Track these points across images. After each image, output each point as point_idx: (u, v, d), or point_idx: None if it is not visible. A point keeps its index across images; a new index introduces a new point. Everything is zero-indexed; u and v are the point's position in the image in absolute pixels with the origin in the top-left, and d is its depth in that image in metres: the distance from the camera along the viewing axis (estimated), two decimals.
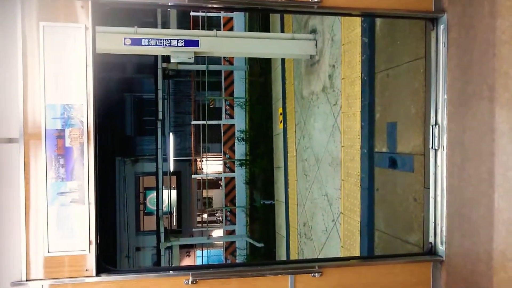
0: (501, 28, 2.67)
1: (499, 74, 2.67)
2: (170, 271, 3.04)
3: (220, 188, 16.84)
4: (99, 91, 2.91)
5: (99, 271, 2.90)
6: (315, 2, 3.04)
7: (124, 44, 7.19)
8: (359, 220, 5.68)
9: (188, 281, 2.97)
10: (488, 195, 2.74)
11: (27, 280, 2.78)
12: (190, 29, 14.07)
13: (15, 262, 2.79)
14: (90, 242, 2.86)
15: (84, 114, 2.83)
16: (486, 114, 2.78)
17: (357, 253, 5.72)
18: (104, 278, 2.89)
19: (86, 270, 2.87)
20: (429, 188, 3.42)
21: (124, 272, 3.01)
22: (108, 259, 3.01)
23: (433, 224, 3.36)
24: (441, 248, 3.30)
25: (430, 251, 3.37)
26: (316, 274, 3.13)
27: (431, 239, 3.38)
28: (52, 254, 2.81)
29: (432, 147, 3.37)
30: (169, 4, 3.04)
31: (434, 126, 3.34)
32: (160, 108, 13.80)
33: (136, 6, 3.11)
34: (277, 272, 3.13)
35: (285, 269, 3.16)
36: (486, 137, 2.77)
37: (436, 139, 3.33)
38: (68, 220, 2.83)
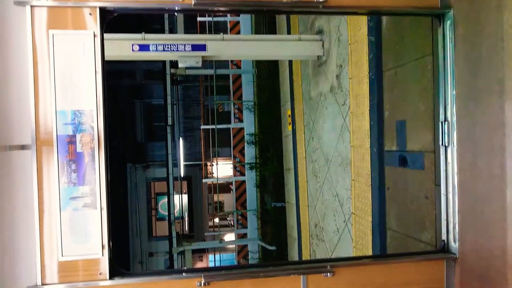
0: (508, 21, 2.65)
1: (509, 67, 2.65)
2: (183, 273, 3.05)
3: (231, 192, 16.86)
4: (109, 98, 2.95)
5: (113, 274, 2.93)
6: (321, 2, 3.04)
7: (132, 50, 7.26)
8: (371, 220, 5.65)
9: (201, 283, 2.98)
10: (501, 190, 2.72)
11: (42, 285, 2.82)
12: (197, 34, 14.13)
13: (30, 267, 2.83)
14: (103, 246, 2.89)
15: (94, 120, 2.86)
16: (496, 108, 2.75)
17: (369, 253, 5.68)
18: (118, 281, 2.92)
19: (100, 273, 2.89)
20: (440, 185, 3.39)
21: (137, 275, 3.03)
22: (121, 265, 3.03)
23: (445, 221, 3.33)
24: (454, 245, 3.26)
25: (443, 249, 3.34)
26: (328, 274, 3.11)
27: (444, 237, 3.35)
28: (66, 258, 2.85)
29: (442, 144, 3.35)
30: (176, 8, 3.07)
31: (443, 123, 3.32)
32: (169, 114, 13.89)
33: (143, 12, 3.14)
34: (289, 272, 3.12)
35: (297, 269, 3.15)
36: (497, 131, 2.75)
37: (446, 135, 3.30)
38: (81, 224, 2.86)
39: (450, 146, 3.29)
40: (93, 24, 2.87)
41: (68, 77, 2.83)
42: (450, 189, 3.29)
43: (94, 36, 2.87)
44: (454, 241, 3.27)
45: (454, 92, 3.22)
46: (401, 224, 4.90)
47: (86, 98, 2.86)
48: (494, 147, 2.77)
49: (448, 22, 3.25)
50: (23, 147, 2.82)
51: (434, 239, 3.89)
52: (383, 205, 5.30)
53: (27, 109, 2.80)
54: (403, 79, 4.73)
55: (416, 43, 4.34)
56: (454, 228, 3.27)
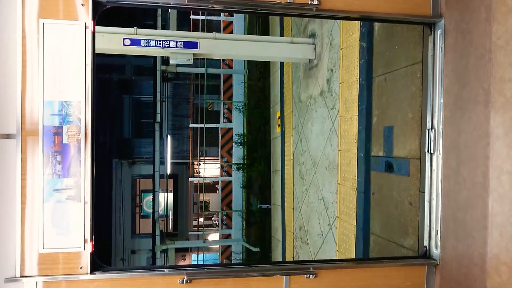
0: (496, 33, 2.70)
1: (495, 79, 2.70)
2: (165, 270, 3.04)
3: (217, 191, 16.82)
4: (97, 93, 2.92)
5: (94, 268, 2.90)
6: (314, 4, 3.07)
7: (124, 45, 7.21)
8: (355, 224, 5.69)
9: (183, 280, 2.97)
10: (483, 199, 2.76)
11: (21, 277, 2.78)
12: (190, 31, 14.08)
13: (9, 258, 2.79)
14: (85, 240, 2.86)
15: (82, 112, 2.84)
16: (481, 118, 2.80)
17: (352, 256, 5.72)
18: (99, 276, 2.89)
19: (81, 267, 2.86)
20: (424, 192, 3.43)
21: (118, 270, 3.00)
22: (102, 261, 3.00)
23: (428, 227, 3.38)
24: (436, 251, 3.31)
25: (425, 255, 3.38)
26: (311, 275, 3.13)
27: (426, 243, 3.39)
28: (46, 250, 2.81)
29: (428, 151, 3.39)
30: (170, 4, 3.06)
31: (430, 130, 3.37)
32: (158, 111, 13.82)
33: (136, 6, 3.12)
34: (271, 272, 3.13)
35: (280, 270, 3.16)
36: (481, 141, 2.79)
37: (432, 143, 3.35)
38: (64, 217, 2.82)
39: (435, 153, 3.33)
40: (85, 15, 2.85)
41: (57, 67, 2.80)
42: (434, 196, 3.34)
43: (86, 27, 2.84)
44: (436, 247, 3.31)
45: (442, 100, 3.26)
46: (384, 229, 4.95)
47: (75, 90, 2.83)
48: (478, 156, 2.82)
49: (439, 31, 3.29)
50: (7, 136, 2.78)
51: (416, 245, 3.94)
52: (368, 210, 5.34)
53: (14, 97, 2.76)
54: (393, 85, 4.78)
55: (407, 51, 4.40)
56: (436, 234, 3.31)
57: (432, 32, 3.34)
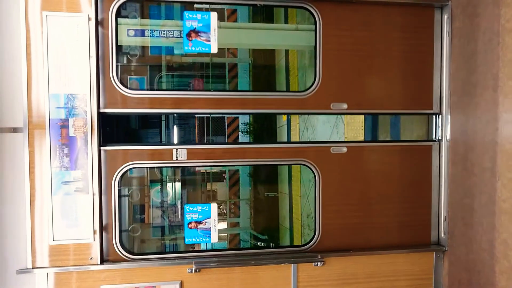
0: (505, 16, 2.65)
1: (504, 62, 2.66)
2: (175, 260, 3.06)
3: (224, 180, 16.84)
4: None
5: (104, 259, 2.94)
6: None
7: (128, 36, 7.17)
8: None
9: (192, 269, 3.00)
10: (491, 184, 2.74)
11: (32, 268, 2.82)
12: None
13: (20, 250, 2.83)
14: (94, 231, 2.89)
15: (87, 104, 2.84)
16: (490, 103, 2.77)
17: None
18: (109, 266, 2.93)
19: (91, 258, 2.90)
20: (432, 178, 3.41)
21: (128, 260, 3.03)
22: None
23: (436, 214, 3.37)
24: (444, 238, 3.30)
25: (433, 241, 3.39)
26: (319, 263, 3.14)
27: (434, 229, 3.39)
28: (57, 242, 2.85)
29: (435, 137, 3.37)
30: None
31: (437, 116, 3.34)
32: None
33: None
34: (279, 261, 3.14)
35: (288, 258, 3.17)
36: (489, 126, 2.76)
37: (440, 129, 3.32)
38: (73, 209, 2.85)
39: (443, 139, 3.31)
40: (88, 7, 2.84)
41: (62, 60, 2.80)
42: (442, 182, 3.32)
43: (89, 19, 2.84)
44: (444, 233, 3.30)
45: (449, 85, 3.22)
46: None
47: (80, 82, 2.84)
48: (486, 141, 2.79)
49: (446, 16, 3.24)
50: (15, 130, 2.80)
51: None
52: None
53: (20, 91, 2.78)
54: None
55: None
56: (444, 220, 3.30)
57: (439, 16, 3.29)
